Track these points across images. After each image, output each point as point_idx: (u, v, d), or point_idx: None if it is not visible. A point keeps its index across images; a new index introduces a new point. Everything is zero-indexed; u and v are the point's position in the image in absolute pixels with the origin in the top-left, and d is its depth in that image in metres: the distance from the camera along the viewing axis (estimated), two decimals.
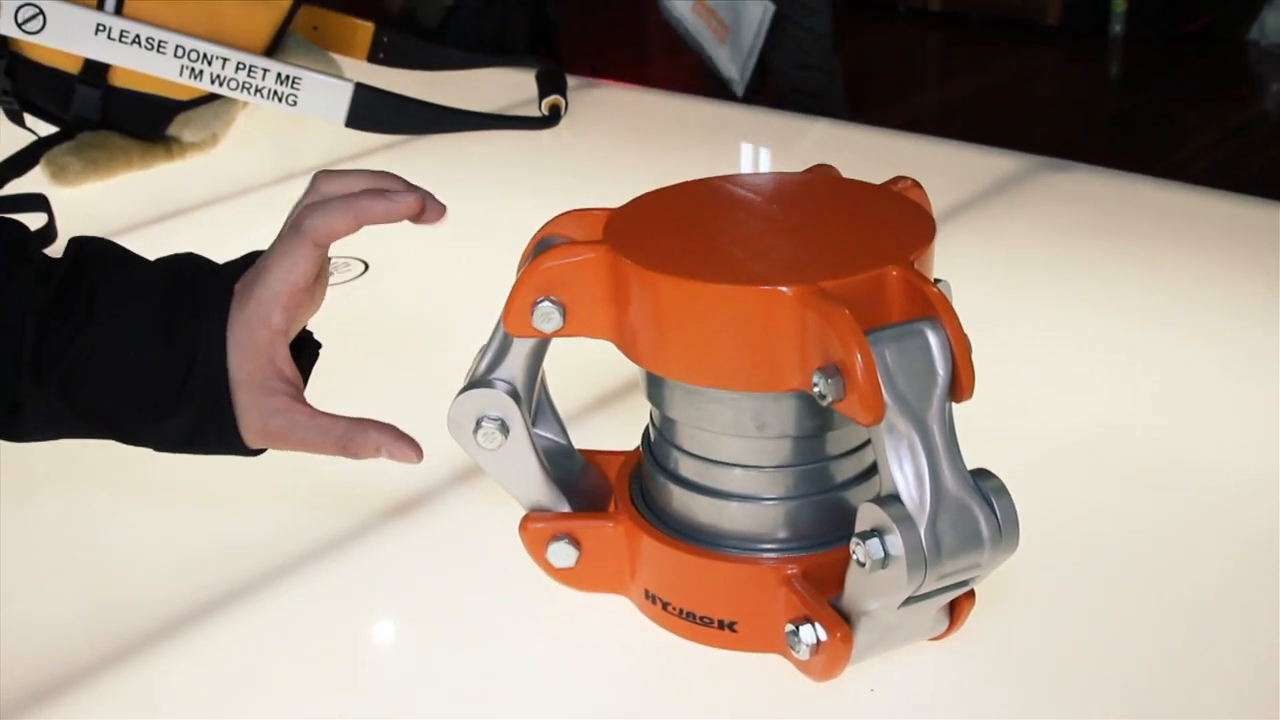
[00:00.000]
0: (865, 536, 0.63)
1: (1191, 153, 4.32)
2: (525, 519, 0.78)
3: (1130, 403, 1.00)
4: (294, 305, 0.74)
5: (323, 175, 0.77)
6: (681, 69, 5.36)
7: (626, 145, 1.65)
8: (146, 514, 0.92)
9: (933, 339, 0.64)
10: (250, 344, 0.73)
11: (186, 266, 0.77)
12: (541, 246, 0.75)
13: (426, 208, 0.77)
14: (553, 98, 1.66)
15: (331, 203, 0.75)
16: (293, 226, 0.75)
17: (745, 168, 1.64)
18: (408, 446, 0.76)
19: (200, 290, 0.75)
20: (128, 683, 0.76)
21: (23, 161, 1.48)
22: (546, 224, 0.77)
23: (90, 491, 0.95)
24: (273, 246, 0.75)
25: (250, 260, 0.77)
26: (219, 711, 0.74)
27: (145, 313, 0.74)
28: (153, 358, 0.73)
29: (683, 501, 0.75)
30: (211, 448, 0.76)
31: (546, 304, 0.71)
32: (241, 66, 1.47)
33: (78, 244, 0.77)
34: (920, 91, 5.34)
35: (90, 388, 0.73)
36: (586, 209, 0.76)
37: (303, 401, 0.75)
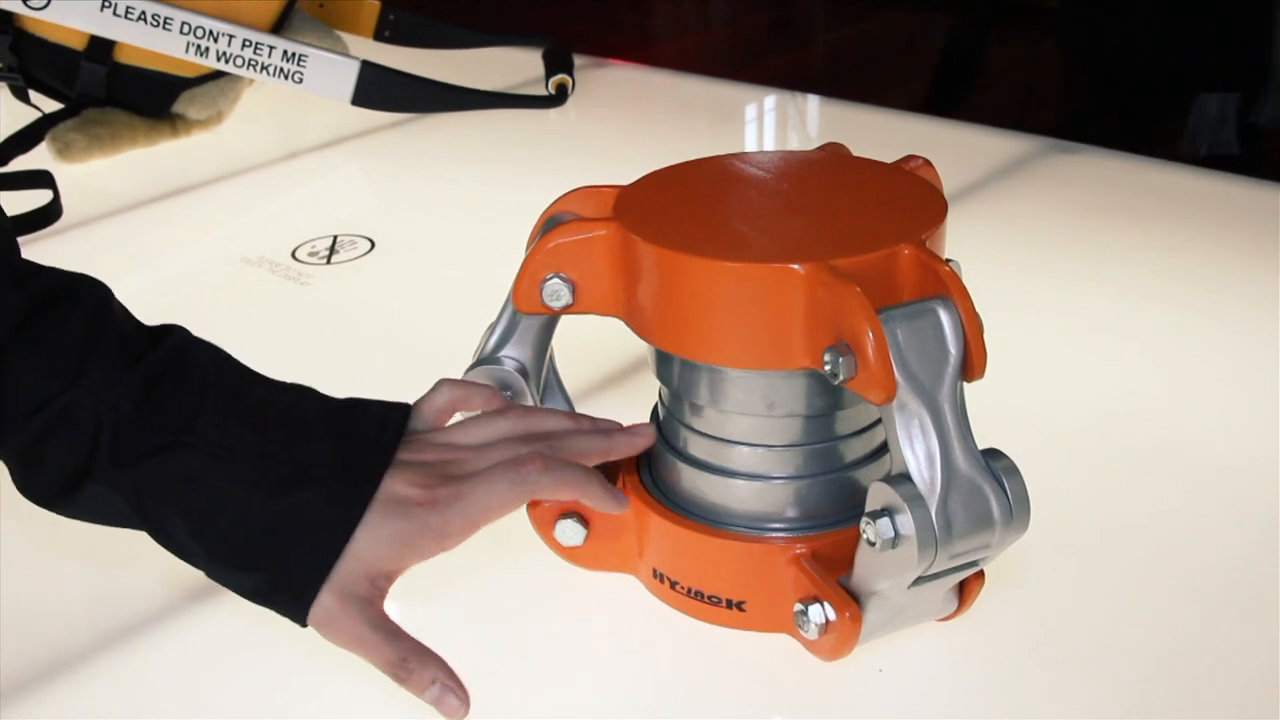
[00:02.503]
0: (875, 516, 0.63)
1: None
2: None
3: (1140, 384, 0.99)
4: (471, 534, 0.68)
5: (534, 415, 0.73)
6: (687, 50, 5.35)
7: (633, 124, 1.65)
8: None
9: (945, 318, 0.63)
10: (404, 544, 0.66)
11: (322, 406, 0.70)
12: (551, 224, 0.75)
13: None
14: (559, 76, 1.65)
15: (566, 469, 0.70)
16: (519, 472, 0.68)
17: (752, 146, 1.63)
18: (459, 695, 0.66)
19: (337, 457, 0.68)
20: (126, 665, 0.76)
21: (28, 138, 1.48)
22: (555, 201, 0.77)
23: None
24: (487, 477, 0.68)
25: (392, 422, 0.70)
26: (222, 695, 0.74)
27: (254, 455, 0.66)
28: (255, 513, 0.65)
29: (691, 480, 0.74)
30: (271, 607, 0.67)
31: (556, 281, 0.71)
32: (248, 44, 1.47)
33: (184, 343, 0.70)
34: (927, 75, 5.33)
35: (168, 508, 0.66)
36: (596, 186, 0.76)
37: (382, 600, 0.67)
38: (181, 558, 0.68)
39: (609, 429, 0.75)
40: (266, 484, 0.66)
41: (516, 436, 0.72)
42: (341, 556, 0.65)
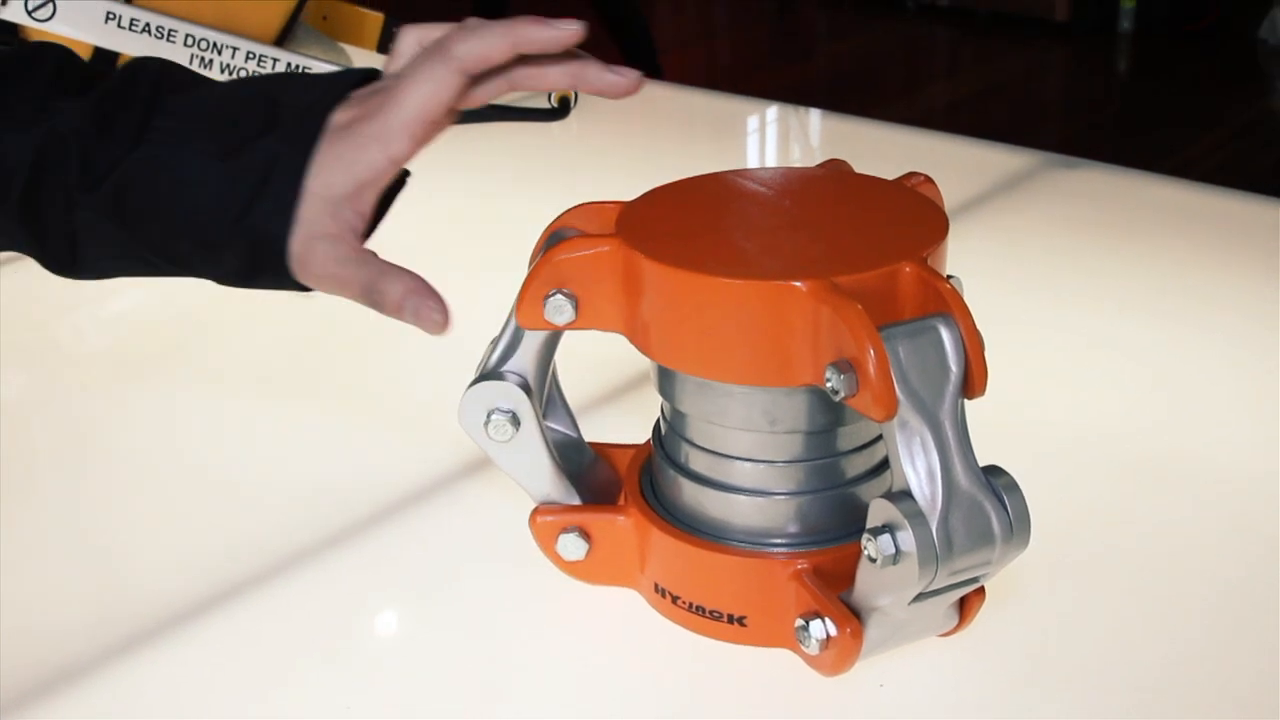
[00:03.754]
0: (876, 532, 0.63)
1: (1199, 150, 4.32)
2: (535, 511, 0.78)
3: (1140, 400, 1.00)
4: (424, 137, 0.67)
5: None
6: (690, 62, 5.36)
7: (636, 137, 1.65)
8: (150, 504, 0.92)
9: (946, 335, 0.64)
10: (349, 161, 0.66)
11: (266, 83, 0.69)
12: (554, 239, 0.75)
13: (605, 72, 0.69)
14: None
15: (485, 27, 0.67)
16: (436, 50, 0.67)
17: (754, 160, 1.64)
18: (435, 308, 0.68)
19: (282, 108, 0.68)
20: (129, 676, 0.76)
21: None
22: (559, 217, 0.77)
23: (92, 485, 0.95)
24: (406, 70, 0.67)
25: (346, 78, 0.69)
26: (224, 705, 0.74)
27: (208, 130, 0.67)
28: (214, 179, 0.66)
29: (693, 495, 0.75)
30: (267, 283, 0.69)
31: (559, 297, 0.71)
32: (251, 56, 1.47)
33: (133, 64, 0.70)
34: (928, 86, 5.35)
35: (144, 211, 0.67)
36: (599, 202, 0.76)
37: (357, 238, 0.68)
38: (182, 270, 0.70)
39: (563, 32, 0.68)
40: (227, 148, 0.67)
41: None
42: (299, 199, 0.66)
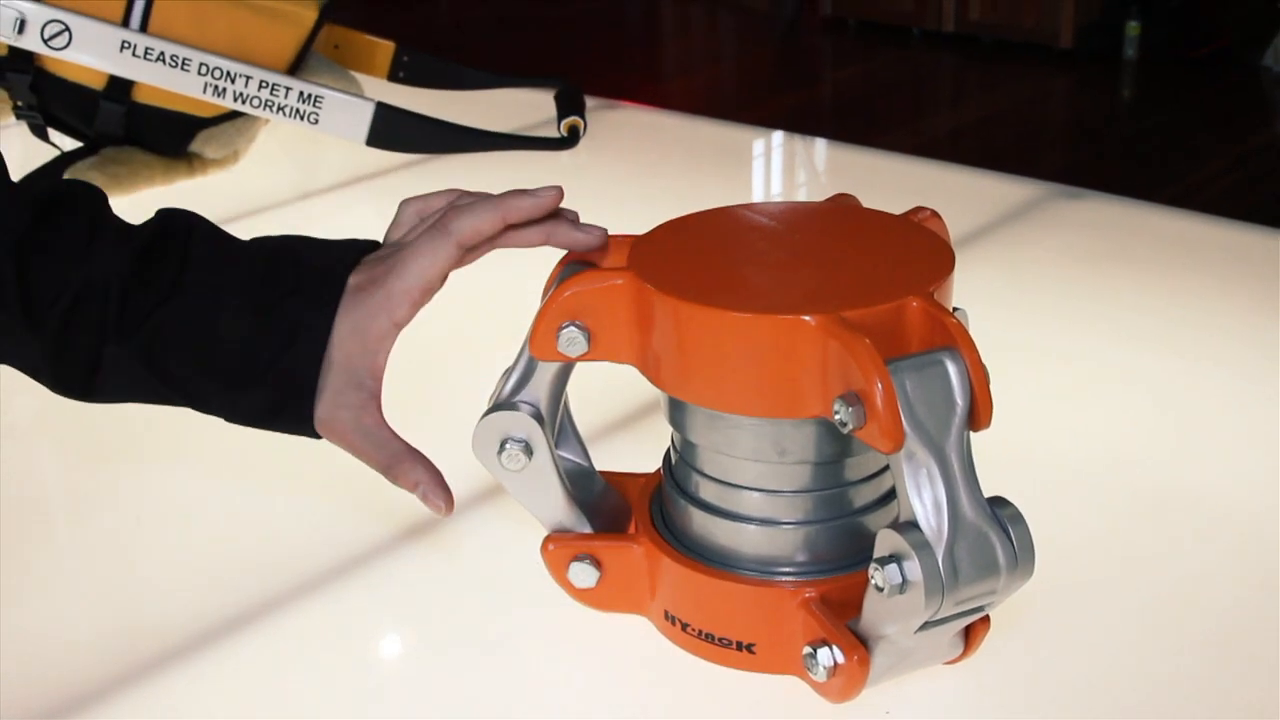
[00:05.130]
0: (883, 562, 0.64)
1: (1203, 178, 4.33)
2: (547, 540, 0.79)
3: (1145, 431, 1.00)
4: (422, 303, 0.74)
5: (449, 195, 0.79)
6: (694, 88, 5.37)
7: (644, 166, 1.66)
8: (166, 531, 0.93)
9: (952, 369, 0.65)
10: (364, 332, 0.73)
11: (287, 246, 0.76)
12: (567, 272, 0.76)
13: (575, 231, 0.77)
14: (571, 119, 1.67)
15: (477, 204, 0.76)
16: (437, 226, 0.75)
17: (760, 189, 1.65)
18: (442, 496, 0.75)
19: (305, 270, 0.74)
20: (145, 700, 0.77)
21: (46, 176, 1.49)
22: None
23: (109, 509, 0.96)
24: (408, 242, 0.75)
25: (357, 246, 0.76)
26: None
27: (239, 286, 0.73)
28: (246, 332, 0.72)
29: (703, 524, 0.76)
30: (283, 427, 0.75)
31: (572, 329, 0.72)
32: (264, 84, 1.49)
33: (165, 214, 0.76)
34: (933, 114, 5.36)
35: (174, 355, 0.73)
36: (611, 235, 0.78)
37: (377, 406, 0.75)
38: (203, 409, 0.75)
39: (544, 199, 0.78)
40: (254, 305, 0.73)
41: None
42: (323, 369, 0.73)
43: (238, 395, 0.74)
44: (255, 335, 0.73)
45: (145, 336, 0.73)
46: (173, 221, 0.76)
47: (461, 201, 0.78)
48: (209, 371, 0.73)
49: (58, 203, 0.75)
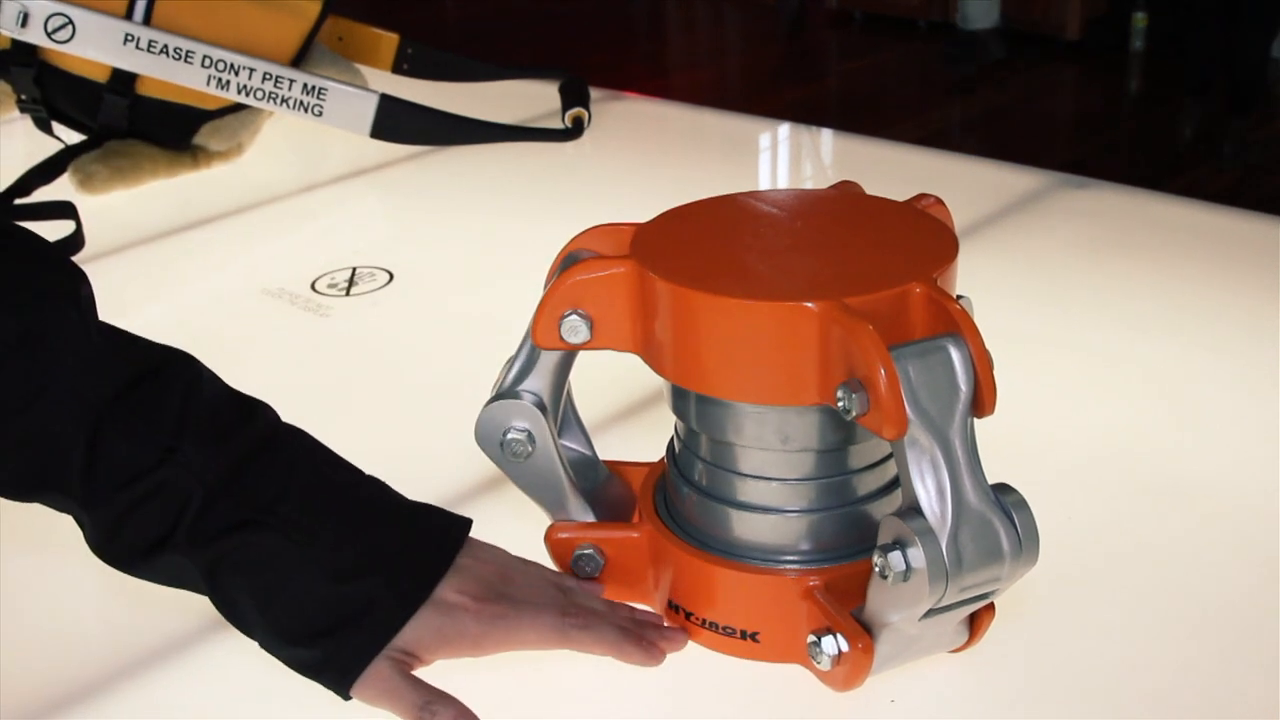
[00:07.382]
0: (887, 549, 0.64)
1: (1210, 169, 4.33)
2: (551, 529, 0.79)
3: (1149, 418, 1.00)
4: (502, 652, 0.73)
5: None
6: (701, 81, 5.37)
7: (649, 157, 1.66)
8: None
9: (955, 355, 0.64)
10: (441, 638, 0.71)
11: (386, 505, 0.74)
12: (569, 261, 0.76)
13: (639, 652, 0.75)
14: (576, 110, 1.67)
15: (605, 627, 0.74)
16: (563, 619, 0.73)
17: (766, 180, 1.64)
18: None
19: (397, 552, 0.72)
20: (144, 697, 0.77)
21: (50, 169, 1.50)
22: (574, 238, 0.78)
23: None
24: (534, 613, 0.73)
25: (455, 538, 0.74)
26: None
27: (330, 543, 0.70)
28: (318, 594, 0.69)
29: (706, 512, 0.76)
30: (316, 680, 0.71)
31: (574, 317, 0.72)
32: (268, 77, 1.49)
33: (275, 428, 0.73)
34: (940, 105, 5.35)
35: (237, 579, 0.69)
36: (613, 224, 0.77)
37: (412, 668, 0.71)
38: (239, 628, 0.72)
39: (640, 624, 0.76)
40: (336, 570, 0.70)
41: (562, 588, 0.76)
42: (386, 646, 0.70)
43: (285, 644, 0.71)
44: (324, 602, 0.69)
45: (216, 552, 0.69)
46: (277, 434, 0.73)
47: (590, 603, 0.76)
48: (264, 610, 0.70)
49: (152, 374, 0.70)
